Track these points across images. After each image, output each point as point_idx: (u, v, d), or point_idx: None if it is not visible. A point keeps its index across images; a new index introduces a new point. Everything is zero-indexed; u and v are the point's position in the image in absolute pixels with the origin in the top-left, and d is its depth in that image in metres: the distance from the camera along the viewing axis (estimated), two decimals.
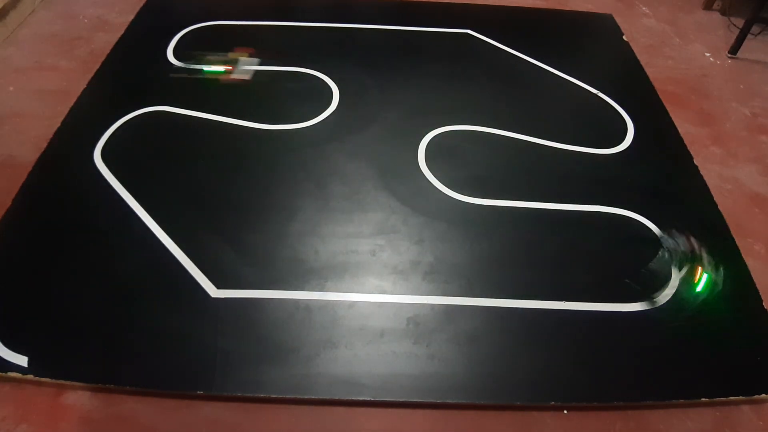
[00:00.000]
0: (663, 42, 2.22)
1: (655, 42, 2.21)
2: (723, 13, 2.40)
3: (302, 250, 1.30)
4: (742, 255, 1.36)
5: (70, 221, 1.34)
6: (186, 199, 1.41)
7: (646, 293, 1.25)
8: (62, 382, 1.06)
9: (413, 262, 1.30)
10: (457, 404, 1.08)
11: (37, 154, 1.48)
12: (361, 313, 1.19)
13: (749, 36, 2.12)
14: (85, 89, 1.70)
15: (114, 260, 1.25)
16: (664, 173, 1.58)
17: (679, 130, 1.72)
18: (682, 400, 1.10)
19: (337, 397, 1.06)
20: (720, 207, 1.48)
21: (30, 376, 1.05)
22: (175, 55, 1.85)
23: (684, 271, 1.27)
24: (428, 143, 1.60)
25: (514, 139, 1.64)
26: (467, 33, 2.07)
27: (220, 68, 1.81)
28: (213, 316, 1.16)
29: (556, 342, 1.17)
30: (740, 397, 1.11)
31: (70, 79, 1.77)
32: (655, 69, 2.00)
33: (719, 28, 2.32)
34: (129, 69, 1.81)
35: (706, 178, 1.56)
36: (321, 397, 1.06)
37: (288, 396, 1.06)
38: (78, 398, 1.06)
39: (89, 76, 1.75)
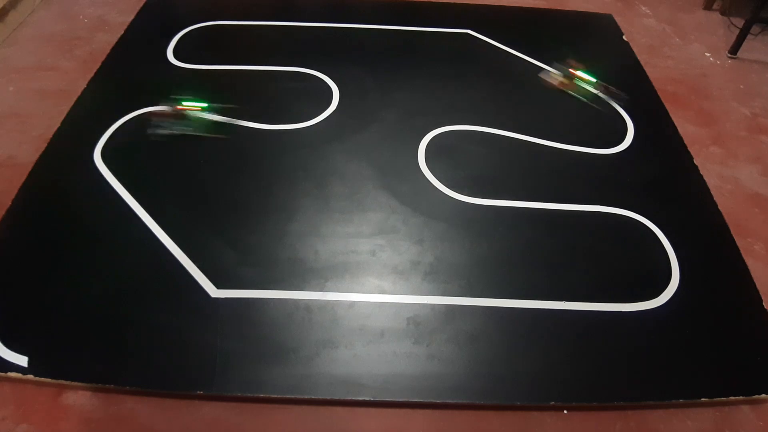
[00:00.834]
0: (663, 42, 2.22)
1: (655, 42, 2.21)
2: (723, 13, 2.40)
3: (302, 250, 1.30)
4: (742, 255, 1.36)
5: (70, 221, 1.34)
6: (186, 199, 1.41)
7: (645, 293, 1.25)
8: (62, 382, 1.05)
9: (413, 262, 1.30)
10: (457, 404, 1.08)
11: (37, 154, 1.48)
12: (361, 313, 1.19)
13: (749, 36, 2.12)
14: (85, 89, 1.70)
15: (114, 260, 1.25)
16: (664, 173, 1.58)
17: (679, 130, 1.72)
18: (682, 400, 1.09)
19: (337, 397, 1.06)
20: (720, 207, 1.48)
21: (30, 376, 1.05)
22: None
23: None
24: (428, 143, 1.60)
25: (514, 139, 1.64)
26: (467, 33, 2.07)
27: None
28: (213, 316, 1.16)
29: (556, 342, 1.16)
30: (740, 397, 1.11)
31: (70, 79, 1.77)
32: (655, 69, 2.00)
33: (719, 28, 2.32)
34: (129, 69, 1.81)
35: (706, 178, 1.56)
36: (321, 397, 1.06)
37: (288, 396, 1.06)
38: (78, 398, 1.06)
39: (89, 76, 1.75)
